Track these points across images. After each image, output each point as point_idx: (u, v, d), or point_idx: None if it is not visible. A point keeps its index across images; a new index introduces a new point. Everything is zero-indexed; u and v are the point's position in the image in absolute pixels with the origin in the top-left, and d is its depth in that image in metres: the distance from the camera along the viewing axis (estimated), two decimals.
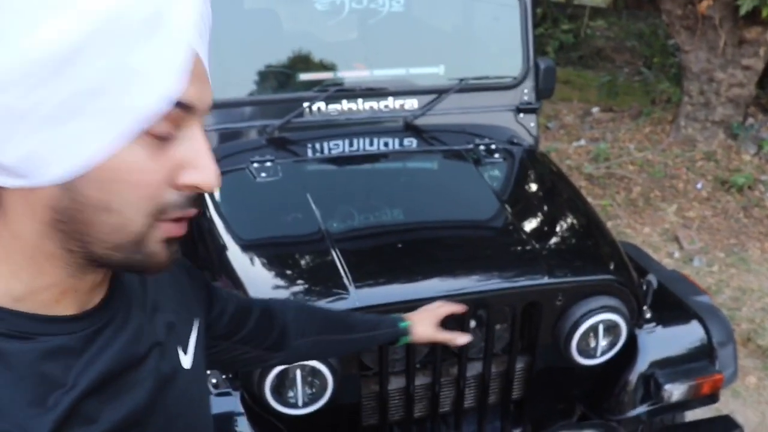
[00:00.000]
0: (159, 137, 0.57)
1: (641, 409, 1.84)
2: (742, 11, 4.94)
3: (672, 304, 1.99)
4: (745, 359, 3.33)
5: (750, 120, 5.74)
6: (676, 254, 4.32)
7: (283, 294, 1.70)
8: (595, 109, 6.93)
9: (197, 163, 0.60)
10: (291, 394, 1.60)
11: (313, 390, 1.61)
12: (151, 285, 0.77)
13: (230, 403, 1.64)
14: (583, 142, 6.03)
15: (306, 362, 1.55)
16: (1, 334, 0.59)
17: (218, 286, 1.02)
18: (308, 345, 1.14)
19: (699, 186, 5.12)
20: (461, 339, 1.34)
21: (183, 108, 0.58)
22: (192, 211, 0.62)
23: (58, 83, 0.52)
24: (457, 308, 1.37)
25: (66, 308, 0.63)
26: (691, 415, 2.03)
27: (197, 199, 0.62)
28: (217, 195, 2.14)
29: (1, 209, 0.59)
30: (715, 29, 5.25)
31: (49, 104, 0.52)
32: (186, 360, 0.78)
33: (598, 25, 11.24)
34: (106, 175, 0.56)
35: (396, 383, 1.78)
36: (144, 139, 0.57)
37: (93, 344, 0.65)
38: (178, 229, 0.62)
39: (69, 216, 0.58)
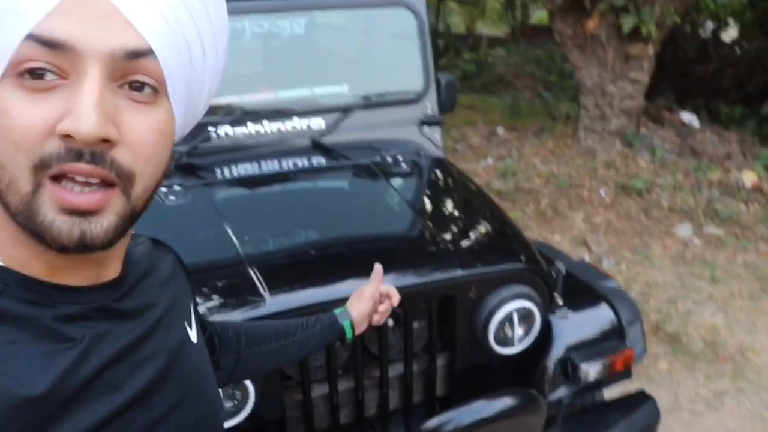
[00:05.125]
0: (35, 80, 0.56)
1: (561, 391, 1.90)
2: (625, 29, 5.30)
3: (582, 289, 2.08)
4: (656, 347, 3.49)
5: (643, 129, 6.10)
6: (586, 258, 4.50)
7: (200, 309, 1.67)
8: (500, 129, 7.19)
9: (74, 109, 0.56)
10: None
11: (235, 402, 1.58)
12: (160, 263, 0.80)
13: None
14: (490, 160, 6.23)
15: None
16: (25, 301, 0.61)
17: None
18: (242, 360, 1.12)
19: (602, 193, 5.37)
20: (380, 319, 1.32)
21: (53, 47, 0.55)
22: (80, 167, 0.57)
23: None
24: (380, 278, 1.31)
25: (75, 281, 0.65)
26: (609, 395, 2.11)
27: (80, 154, 0.57)
28: None
29: None
30: (603, 47, 5.59)
31: None
32: (192, 334, 0.81)
33: (498, 53, 11.75)
34: None
35: (319, 390, 1.77)
36: (17, 82, 0.56)
37: (111, 315, 0.67)
38: (75, 197, 0.58)
39: None
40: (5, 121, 0.56)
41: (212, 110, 2.51)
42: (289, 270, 1.76)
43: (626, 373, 1.97)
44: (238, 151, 2.47)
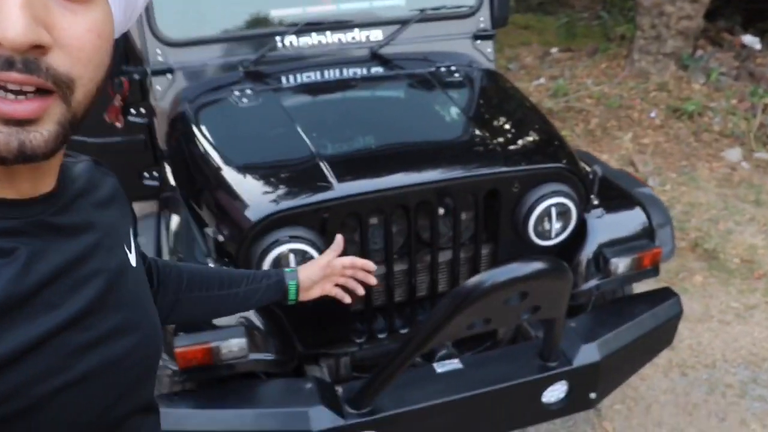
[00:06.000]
0: None
1: (592, 282, 2.10)
2: None
3: (617, 193, 2.25)
4: (693, 262, 3.65)
5: (699, 52, 6.01)
6: None
7: (271, 198, 1.90)
8: (554, 50, 7.16)
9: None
10: None
11: None
12: (100, 184, 0.80)
13: None
14: (542, 80, 6.27)
15: (295, 247, 1.77)
16: None
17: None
18: (180, 302, 1.12)
19: (653, 115, 5.40)
20: (347, 299, 1.36)
21: None
22: (12, 76, 0.54)
23: None
24: (338, 250, 1.32)
25: (9, 194, 0.63)
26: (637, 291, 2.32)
27: (11, 61, 0.54)
28: (204, 125, 2.33)
29: None
30: None
31: None
32: (132, 258, 0.81)
33: None
34: None
35: (377, 271, 2.00)
36: None
37: (48, 230, 0.66)
38: (9, 106, 0.55)
39: None
40: None
41: (278, 21, 2.70)
42: (353, 162, 1.98)
43: (654, 271, 2.16)
44: (302, 60, 2.66)
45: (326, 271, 1.29)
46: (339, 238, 1.34)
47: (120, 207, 0.84)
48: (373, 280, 1.37)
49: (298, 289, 1.25)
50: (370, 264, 1.35)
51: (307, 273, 1.27)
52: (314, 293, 1.30)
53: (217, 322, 1.85)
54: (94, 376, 0.69)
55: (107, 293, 0.71)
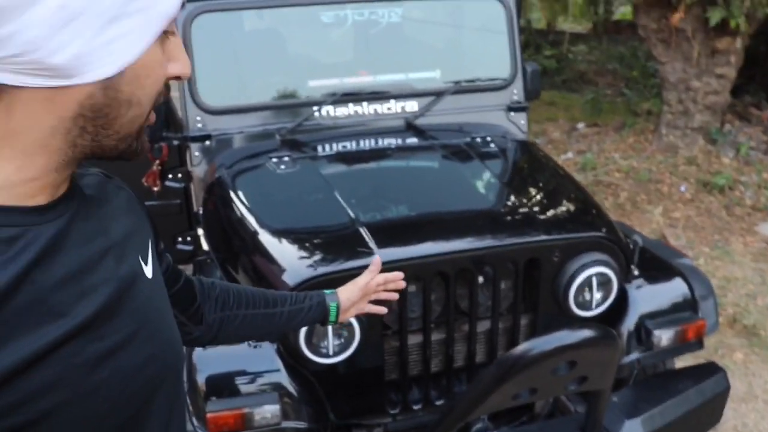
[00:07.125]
0: (165, 35, 0.67)
1: (634, 355, 2.04)
2: (712, 22, 5.26)
3: (657, 264, 2.21)
4: (733, 339, 3.54)
5: (727, 126, 6.03)
6: None
7: (311, 262, 1.90)
8: (580, 125, 7.22)
9: (179, 56, 0.69)
10: (323, 344, 1.80)
11: (342, 340, 1.81)
12: (113, 197, 0.82)
13: (267, 356, 1.83)
14: (570, 154, 6.30)
15: None
16: None
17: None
18: (229, 319, 1.13)
19: (683, 189, 5.37)
20: (383, 311, 1.36)
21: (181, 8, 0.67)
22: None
23: None
24: (376, 270, 1.31)
25: (39, 201, 0.67)
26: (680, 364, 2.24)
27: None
28: (242, 191, 2.35)
29: (5, 104, 0.61)
30: (689, 41, 5.57)
31: (102, 5, 0.59)
32: (148, 270, 0.81)
33: (580, 50, 11.62)
34: (138, 71, 0.64)
35: (414, 339, 1.98)
36: (160, 37, 0.66)
37: (56, 237, 0.67)
38: (153, 117, 0.71)
39: (97, 111, 0.63)
40: (156, 70, 0.68)
41: (316, 92, 2.76)
42: (394, 229, 1.98)
43: (698, 344, 2.09)
44: (338, 129, 2.70)
45: (364, 291, 1.31)
46: (377, 259, 1.33)
47: (136, 219, 0.84)
48: (402, 284, 1.36)
49: (338, 311, 1.27)
50: (398, 273, 1.35)
51: (346, 294, 1.28)
52: (350, 314, 1.31)
53: (250, 387, 1.82)
54: (106, 388, 0.68)
55: (117, 301, 0.71)
